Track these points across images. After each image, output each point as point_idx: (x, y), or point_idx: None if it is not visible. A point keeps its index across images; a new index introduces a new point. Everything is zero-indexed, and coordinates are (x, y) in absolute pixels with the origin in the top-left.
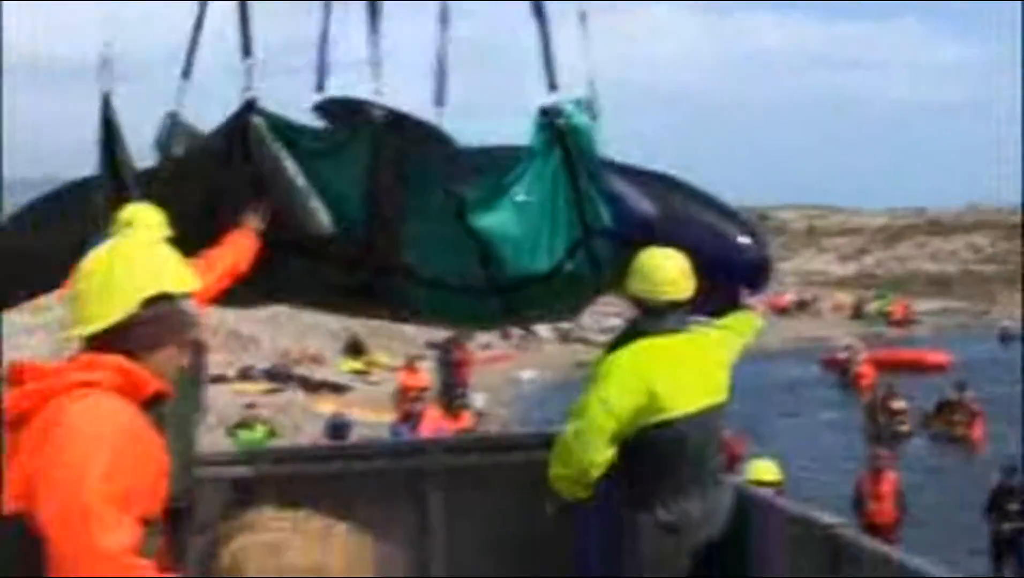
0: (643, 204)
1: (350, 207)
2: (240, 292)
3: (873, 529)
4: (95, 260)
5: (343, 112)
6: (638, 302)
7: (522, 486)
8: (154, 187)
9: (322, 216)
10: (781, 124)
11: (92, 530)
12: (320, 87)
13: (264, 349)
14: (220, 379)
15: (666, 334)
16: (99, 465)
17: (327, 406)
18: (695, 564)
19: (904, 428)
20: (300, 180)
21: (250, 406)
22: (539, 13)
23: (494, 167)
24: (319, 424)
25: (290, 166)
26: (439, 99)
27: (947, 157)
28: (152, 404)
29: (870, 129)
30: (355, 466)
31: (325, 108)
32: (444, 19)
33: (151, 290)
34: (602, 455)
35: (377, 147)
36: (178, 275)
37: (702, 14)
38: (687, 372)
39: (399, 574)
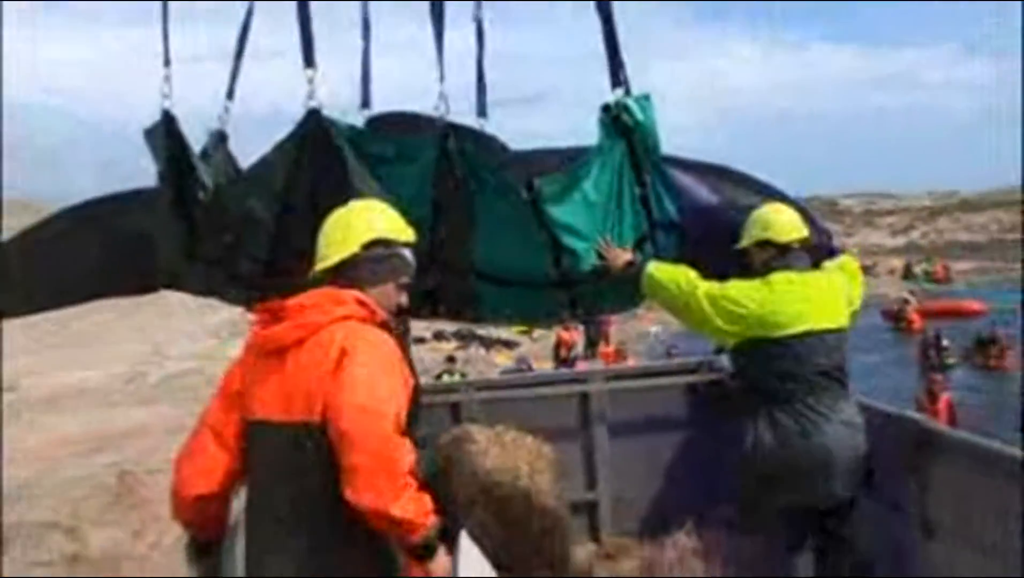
0: (703, 195)
1: (418, 209)
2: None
3: None
4: (336, 215)
5: (400, 124)
6: (763, 246)
7: (668, 403)
8: (223, 196)
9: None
10: (841, 130)
11: (384, 425)
12: (365, 104)
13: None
14: (419, 341)
15: (794, 270)
16: (387, 386)
17: (502, 358)
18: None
19: (951, 360)
20: (368, 183)
21: (450, 359)
22: (604, 14)
23: (561, 164)
24: (496, 371)
25: (357, 170)
26: (481, 110)
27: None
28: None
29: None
30: (536, 392)
31: (379, 122)
32: (480, 36)
33: (370, 235)
34: (698, 314)
35: (442, 152)
36: (395, 227)
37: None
38: (810, 300)
39: (571, 475)
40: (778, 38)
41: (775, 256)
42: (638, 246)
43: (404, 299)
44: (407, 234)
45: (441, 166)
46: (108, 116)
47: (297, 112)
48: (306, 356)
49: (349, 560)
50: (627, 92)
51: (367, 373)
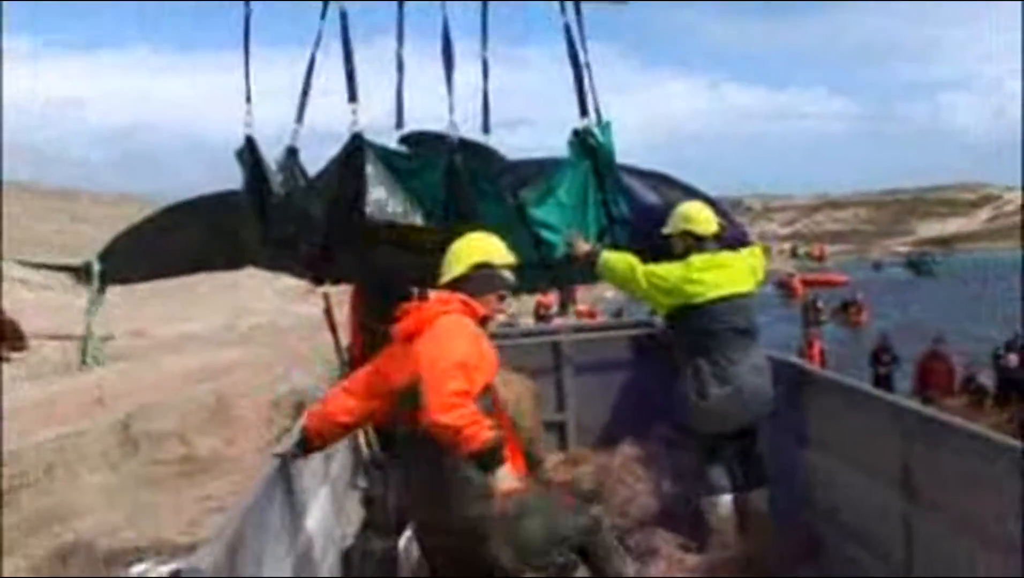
0: (648, 196)
1: (434, 210)
2: (348, 275)
3: None
4: (457, 242)
5: (424, 140)
6: (686, 237)
7: (618, 351)
8: (291, 202)
9: (414, 217)
10: (744, 148)
11: (448, 380)
12: (399, 125)
13: None
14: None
15: (708, 252)
16: (460, 348)
17: (499, 314)
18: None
19: (823, 318)
20: (398, 192)
21: None
22: (574, 58)
23: (541, 175)
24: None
25: (388, 180)
26: (486, 127)
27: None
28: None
29: (797, 147)
30: (520, 341)
31: (409, 139)
32: (485, 73)
33: (477, 259)
34: (636, 284)
35: (451, 165)
36: (497, 253)
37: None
38: (722, 272)
39: (546, 402)
40: (698, 79)
41: (693, 244)
42: (599, 237)
43: (502, 305)
44: (507, 258)
45: (451, 177)
46: (207, 136)
47: (346, 133)
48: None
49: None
50: (598, 119)
51: (447, 333)
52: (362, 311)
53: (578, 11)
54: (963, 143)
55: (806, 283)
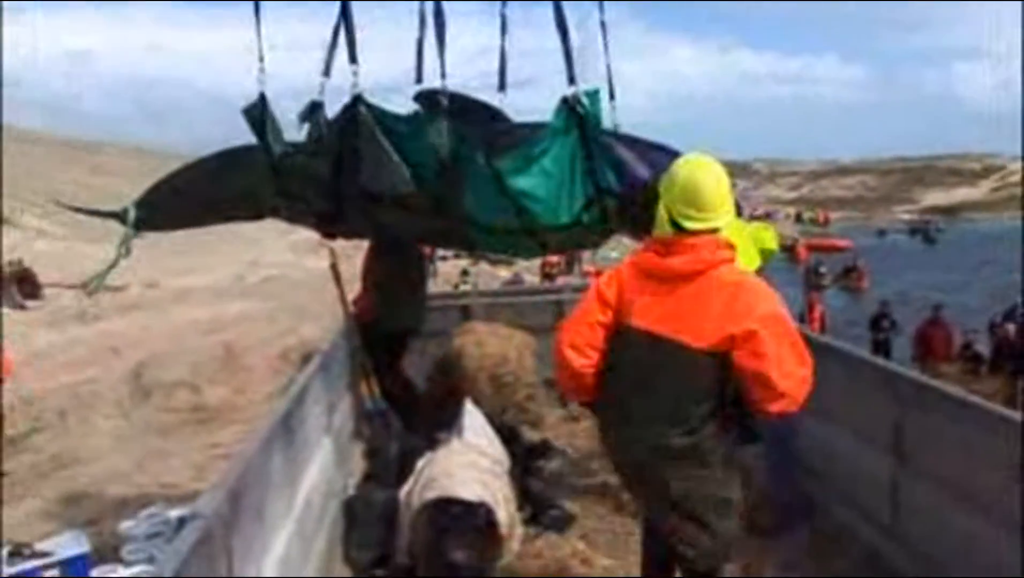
0: (638, 167)
1: (427, 173)
2: (355, 230)
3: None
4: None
5: (428, 99)
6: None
7: None
8: (298, 156)
9: (406, 178)
10: (753, 112)
11: (798, 338)
12: (419, 80)
13: None
14: (443, 258)
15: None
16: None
17: (503, 272)
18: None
19: (825, 282)
20: (392, 152)
21: (464, 273)
22: (561, 24)
23: (526, 142)
24: (499, 282)
25: (384, 141)
26: (502, 85)
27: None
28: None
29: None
30: (523, 298)
31: (421, 96)
32: (504, 29)
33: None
34: None
35: (440, 128)
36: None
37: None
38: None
39: (548, 359)
40: (709, 44)
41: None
42: (587, 208)
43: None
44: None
45: (442, 140)
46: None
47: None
48: (703, 290)
49: (693, 450)
50: (610, 84)
51: (776, 320)
52: (378, 270)
53: None
54: (971, 112)
55: (810, 247)
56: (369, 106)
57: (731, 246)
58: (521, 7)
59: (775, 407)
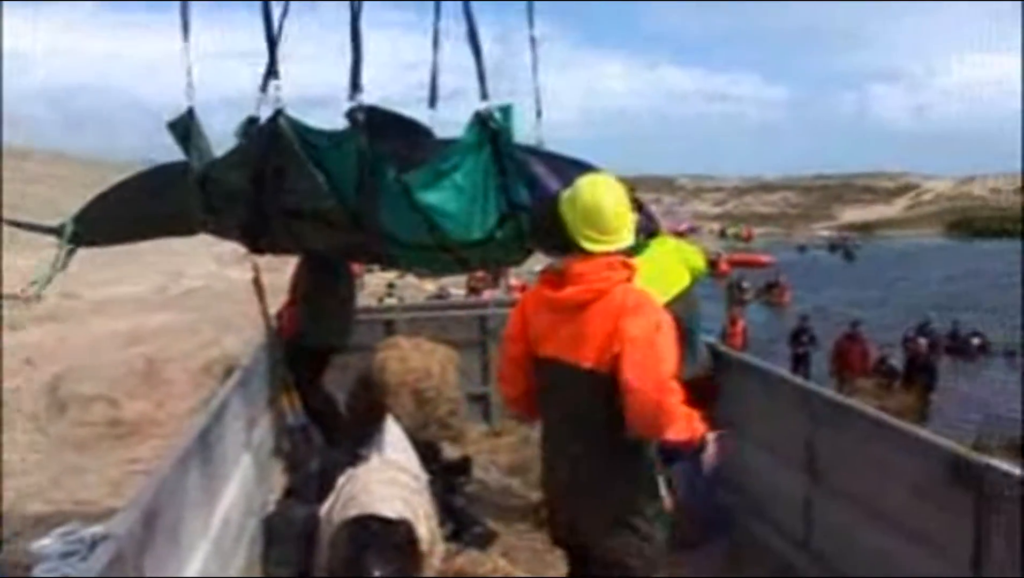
0: (551, 182)
1: (346, 187)
2: (280, 245)
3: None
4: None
5: (371, 116)
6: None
7: None
8: (218, 168)
9: (325, 193)
10: (678, 128)
11: (660, 375)
12: (354, 91)
13: None
14: (369, 270)
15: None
16: (662, 336)
17: (429, 285)
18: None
19: (747, 297)
20: (311, 167)
21: (390, 285)
22: (473, 38)
23: (436, 157)
24: (424, 296)
25: (303, 156)
26: (432, 102)
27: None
28: None
29: (731, 130)
30: (448, 313)
31: (350, 113)
32: (436, 44)
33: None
34: None
35: (359, 144)
36: None
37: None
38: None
39: (471, 375)
40: (638, 61)
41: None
42: (500, 225)
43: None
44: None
45: (359, 155)
46: (145, 96)
47: (296, 101)
48: (595, 314)
49: (611, 465)
50: (538, 103)
51: (644, 335)
52: (306, 285)
53: None
54: (886, 132)
55: (732, 263)
56: (290, 120)
57: (627, 265)
58: (455, 20)
59: (637, 421)
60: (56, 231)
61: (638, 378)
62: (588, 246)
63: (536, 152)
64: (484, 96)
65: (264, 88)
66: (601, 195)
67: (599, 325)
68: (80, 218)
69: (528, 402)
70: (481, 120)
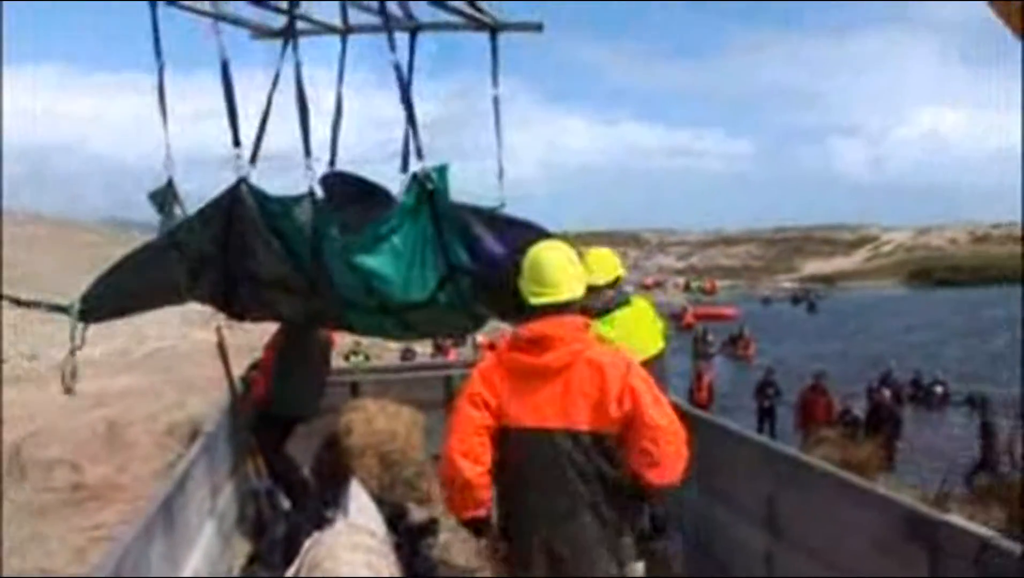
0: (495, 245)
1: (301, 253)
2: (252, 311)
3: (697, 406)
4: (557, 262)
5: (343, 183)
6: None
7: None
8: (184, 232)
9: (281, 259)
10: (641, 182)
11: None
12: (332, 162)
13: None
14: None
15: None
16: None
17: (394, 345)
18: None
19: (712, 350)
20: (268, 234)
21: (357, 343)
22: (407, 102)
23: (376, 220)
24: (393, 355)
25: (261, 223)
26: (404, 167)
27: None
28: None
29: (694, 185)
30: (413, 375)
31: (326, 180)
32: (409, 107)
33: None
34: None
35: (310, 210)
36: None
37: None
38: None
39: (437, 435)
40: (601, 116)
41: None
42: (440, 287)
43: None
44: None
45: (311, 220)
46: (114, 156)
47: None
48: (580, 376)
49: (588, 522)
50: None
51: (645, 380)
52: (280, 352)
53: (494, 49)
54: (846, 186)
55: (697, 316)
56: (251, 188)
57: (586, 326)
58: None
59: (657, 474)
60: (64, 309)
61: (664, 416)
62: (532, 300)
63: (478, 212)
64: (419, 155)
65: (253, 158)
66: (544, 252)
67: (590, 386)
68: (86, 297)
69: (483, 485)
70: (418, 182)
